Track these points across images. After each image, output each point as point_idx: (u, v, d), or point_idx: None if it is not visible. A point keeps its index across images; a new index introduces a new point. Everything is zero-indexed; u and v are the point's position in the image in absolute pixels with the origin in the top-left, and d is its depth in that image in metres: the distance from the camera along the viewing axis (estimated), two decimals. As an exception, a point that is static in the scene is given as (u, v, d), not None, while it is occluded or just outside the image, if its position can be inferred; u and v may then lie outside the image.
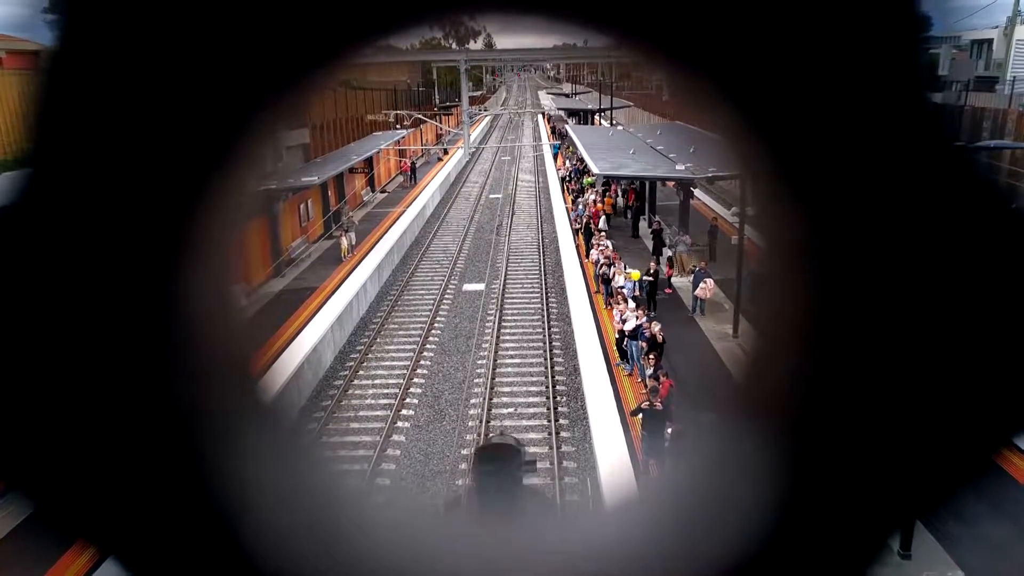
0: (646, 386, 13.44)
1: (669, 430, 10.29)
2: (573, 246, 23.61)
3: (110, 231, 0.45)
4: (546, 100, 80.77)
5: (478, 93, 76.95)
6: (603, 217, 24.56)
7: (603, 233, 21.34)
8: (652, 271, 17.59)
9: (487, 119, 66.87)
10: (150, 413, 0.48)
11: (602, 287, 18.46)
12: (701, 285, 16.70)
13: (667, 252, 20.33)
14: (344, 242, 23.59)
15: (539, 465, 11.98)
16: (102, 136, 0.44)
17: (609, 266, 17.95)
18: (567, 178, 34.51)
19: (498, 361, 16.88)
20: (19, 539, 8.49)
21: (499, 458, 2.52)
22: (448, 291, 21.61)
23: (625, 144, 27.78)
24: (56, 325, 0.46)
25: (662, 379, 11.60)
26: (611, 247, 19.43)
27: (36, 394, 0.46)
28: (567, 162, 37.97)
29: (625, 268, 17.50)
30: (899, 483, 0.49)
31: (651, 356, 12.63)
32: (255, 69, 0.44)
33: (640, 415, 11.11)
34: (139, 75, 0.43)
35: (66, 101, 0.43)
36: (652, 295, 17.14)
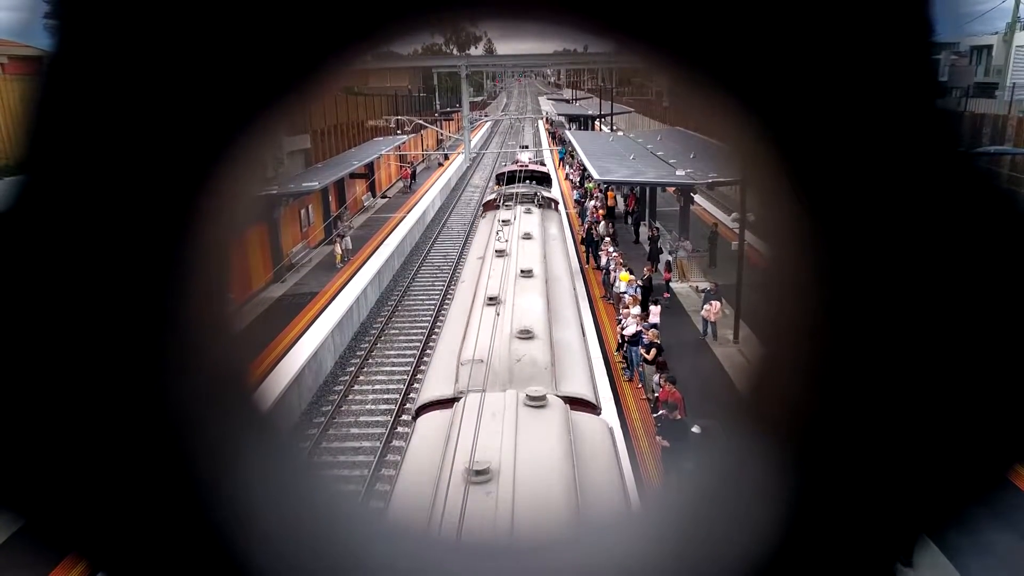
0: (646, 391, 13.40)
1: (695, 429, 10.07)
2: (575, 253, 23.64)
3: (105, 240, 0.44)
4: (546, 105, 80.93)
5: (479, 99, 77.06)
6: (602, 223, 24.58)
7: (608, 240, 21.30)
8: (646, 276, 17.51)
9: (488, 124, 66.95)
10: (143, 426, 0.47)
11: (612, 293, 18.43)
12: (706, 307, 16.07)
13: (664, 257, 20.28)
14: (338, 249, 22.76)
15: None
16: (98, 142, 0.43)
17: (614, 271, 17.94)
18: (574, 184, 34.63)
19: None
20: (20, 540, 8.45)
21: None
22: (448, 296, 21.59)
23: (625, 150, 27.81)
24: (49, 335, 0.45)
25: (664, 385, 11.53)
26: (612, 252, 19.43)
27: (28, 406, 0.45)
28: (568, 168, 38.02)
29: (618, 272, 17.44)
30: (908, 498, 0.48)
31: (659, 362, 12.56)
32: (253, 73, 0.44)
33: (660, 433, 10.99)
34: (135, 82, 0.42)
35: (63, 107, 0.43)
36: (645, 300, 17.07)
